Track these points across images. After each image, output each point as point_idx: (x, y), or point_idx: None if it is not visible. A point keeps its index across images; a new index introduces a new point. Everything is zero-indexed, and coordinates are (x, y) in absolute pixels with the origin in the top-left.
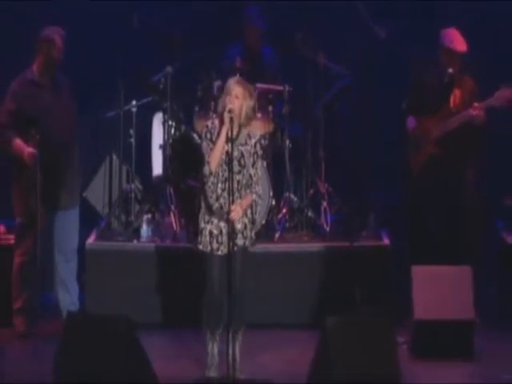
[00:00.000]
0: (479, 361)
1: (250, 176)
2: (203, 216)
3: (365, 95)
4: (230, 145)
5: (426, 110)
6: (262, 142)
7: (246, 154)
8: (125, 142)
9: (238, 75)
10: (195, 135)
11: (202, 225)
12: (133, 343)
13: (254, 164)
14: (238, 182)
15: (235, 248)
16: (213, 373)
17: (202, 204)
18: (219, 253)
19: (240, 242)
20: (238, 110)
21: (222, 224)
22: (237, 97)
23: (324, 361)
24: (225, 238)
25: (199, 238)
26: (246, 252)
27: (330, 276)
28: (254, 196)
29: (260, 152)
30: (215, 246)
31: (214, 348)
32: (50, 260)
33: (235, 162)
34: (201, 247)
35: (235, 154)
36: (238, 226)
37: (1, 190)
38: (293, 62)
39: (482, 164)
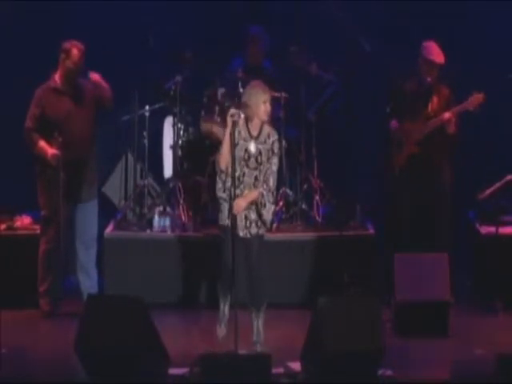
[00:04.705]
0: (454, 337)
1: (265, 172)
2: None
3: (351, 101)
4: (232, 145)
5: (407, 114)
6: (278, 141)
7: (263, 152)
8: (139, 142)
9: (240, 83)
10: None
11: (221, 200)
12: (145, 321)
13: (268, 159)
14: (256, 177)
15: (250, 235)
16: (223, 327)
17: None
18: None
19: (253, 230)
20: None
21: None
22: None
23: (316, 336)
24: (241, 224)
25: (219, 215)
26: (262, 239)
27: (321, 261)
28: (262, 190)
29: (276, 150)
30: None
31: (225, 307)
32: (72, 248)
33: (252, 159)
34: (220, 222)
35: (253, 151)
36: (253, 217)
37: (27, 186)
38: (288, 72)
39: (456, 162)
